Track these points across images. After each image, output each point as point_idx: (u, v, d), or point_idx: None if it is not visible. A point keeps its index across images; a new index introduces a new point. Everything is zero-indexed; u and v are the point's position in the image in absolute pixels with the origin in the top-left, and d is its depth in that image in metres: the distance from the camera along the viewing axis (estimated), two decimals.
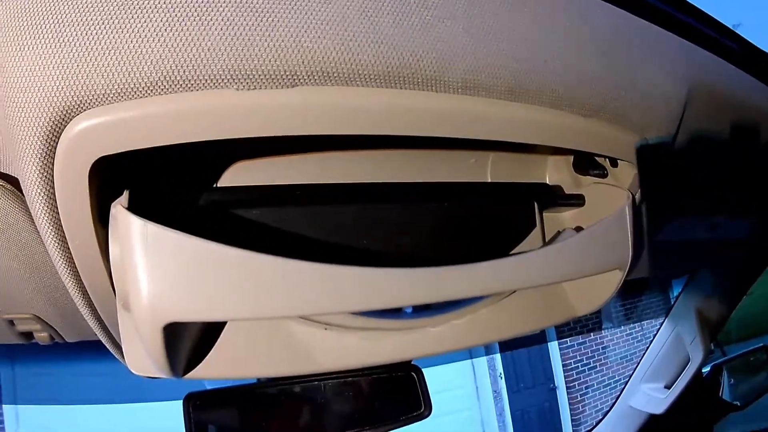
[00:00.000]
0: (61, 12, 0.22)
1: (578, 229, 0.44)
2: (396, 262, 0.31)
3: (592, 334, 4.24)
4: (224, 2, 0.23)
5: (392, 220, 0.39)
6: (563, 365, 4.13)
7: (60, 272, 0.30)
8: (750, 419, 1.35)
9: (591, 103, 0.34)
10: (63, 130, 0.24)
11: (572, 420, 4.06)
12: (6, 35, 0.23)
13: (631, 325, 4.42)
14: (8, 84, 0.23)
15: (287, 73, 0.24)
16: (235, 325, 0.34)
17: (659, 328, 1.16)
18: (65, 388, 2.81)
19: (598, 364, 4.28)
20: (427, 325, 0.39)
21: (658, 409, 1.12)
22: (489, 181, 0.45)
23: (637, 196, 0.44)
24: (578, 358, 4.20)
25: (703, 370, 1.16)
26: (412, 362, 0.49)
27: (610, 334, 4.37)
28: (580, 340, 4.22)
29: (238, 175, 0.36)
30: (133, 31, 0.22)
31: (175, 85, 0.23)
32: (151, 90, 0.23)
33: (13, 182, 0.30)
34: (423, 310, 0.39)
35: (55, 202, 0.26)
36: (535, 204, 0.45)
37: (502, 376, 3.93)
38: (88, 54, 0.22)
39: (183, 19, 0.22)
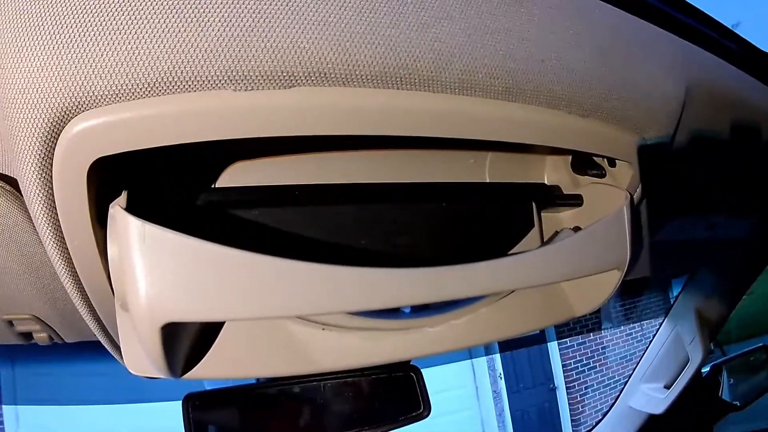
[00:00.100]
0: (59, 14, 0.22)
1: (576, 229, 0.44)
2: (394, 262, 0.31)
3: (591, 334, 4.24)
4: (221, 3, 0.23)
5: (391, 220, 0.39)
6: (563, 365, 4.13)
7: (59, 273, 0.30)
8: (750, 419, 1.35)
9: (589, 102, 0.34)
10: (61, 131, 0.24)
11: (572, 420, 4.06)
12: (4, 37, 0.23)
13: (631, 325, 4.42)
14: (7, 85, 0.23)
15: (285, 74, 0.24)
16: (234, 326, 0.34)
17: (659, 328, 1.16)
18: (65, 388, 2.81)
19: (597, 364, 4.28)
20: (426, 325, 0.39)
21: (658, 409, 1.12)
22: (487, 181, 0.45)
23: (636, 196, 0.44)
24: (578, 358, 4.20)
25: (703, 370, 1.16)
26: (411, 362, 0.49)
27: (610, 334, 4.37)
28: (580, 340, 4.22)
29: (236, 176, 0.36)
30: (130, 33, 0.22)
31: (173, 86, 0.23)
32: (149, 91, 0.23)
33: (12, 183, 0.30)
34: (422, 310, 0.39)
35: (54, 202, 0.26)
36: (534, 204, 0.45)
37: (502, 376, 3.93)
38: (87, 55, 0.22)
39: (180, 21, 0.22)
